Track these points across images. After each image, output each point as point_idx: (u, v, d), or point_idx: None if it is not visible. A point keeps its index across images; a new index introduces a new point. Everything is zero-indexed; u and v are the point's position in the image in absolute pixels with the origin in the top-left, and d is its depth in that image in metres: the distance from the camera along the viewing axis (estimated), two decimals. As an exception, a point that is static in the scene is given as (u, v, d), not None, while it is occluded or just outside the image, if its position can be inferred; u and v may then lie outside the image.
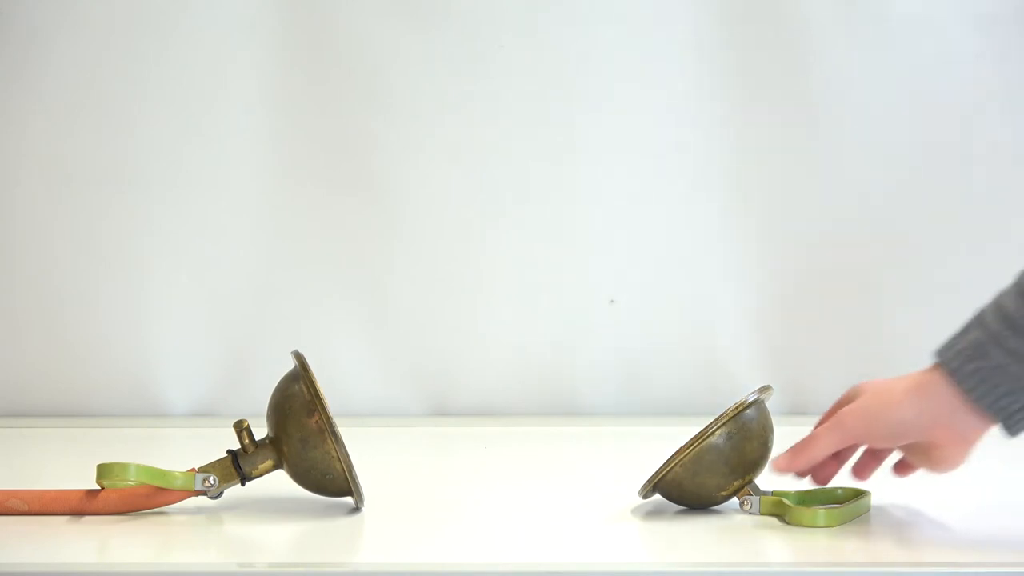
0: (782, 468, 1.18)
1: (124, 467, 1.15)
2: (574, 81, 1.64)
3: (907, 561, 1.10)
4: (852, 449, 1.19)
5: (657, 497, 1.21)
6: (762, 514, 1.18)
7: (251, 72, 1.63)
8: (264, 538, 1.15)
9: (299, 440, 1.16)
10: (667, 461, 1.17)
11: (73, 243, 1.63)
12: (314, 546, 1.14)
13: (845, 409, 1.18)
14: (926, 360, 1.67)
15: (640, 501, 1.24)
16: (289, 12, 1.62)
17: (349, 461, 1.16)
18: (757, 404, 1.19)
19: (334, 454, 1.15)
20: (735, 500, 1.19)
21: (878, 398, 1.16)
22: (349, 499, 1.18)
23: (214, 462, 1.17)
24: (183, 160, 1.64)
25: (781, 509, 1.18)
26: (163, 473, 1.16)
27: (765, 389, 1.21)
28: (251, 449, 1.17)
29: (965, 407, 1.13)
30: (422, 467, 1.44)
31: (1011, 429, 1.13)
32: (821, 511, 1.17)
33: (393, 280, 1.67)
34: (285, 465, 1.18)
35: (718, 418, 1.17)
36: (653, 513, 1.22)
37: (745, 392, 1.67)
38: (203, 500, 1.19)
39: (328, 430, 1.15)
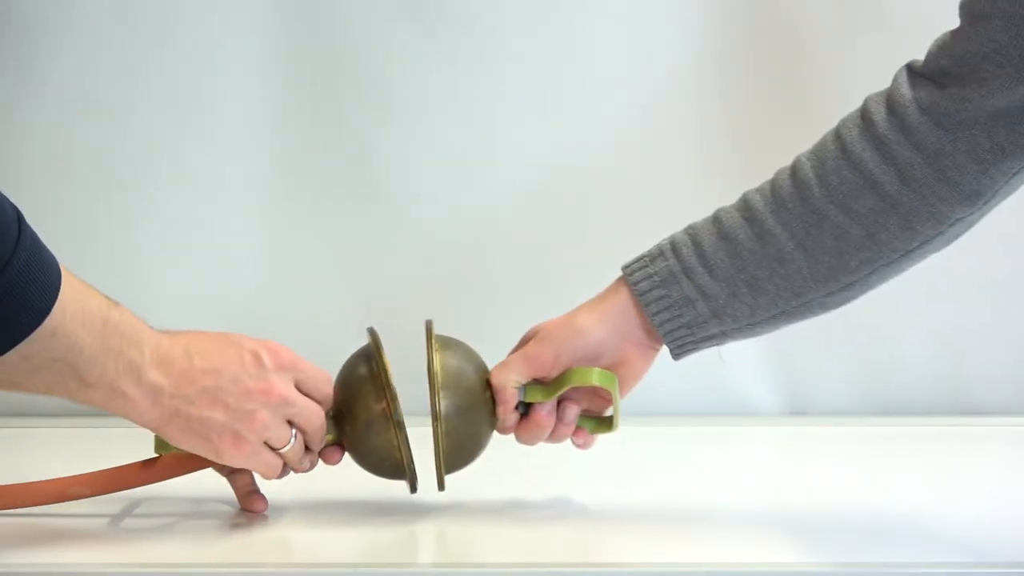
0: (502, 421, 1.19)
1: None
2: (575, 81, 1.65)
3: (905, 561, 1.10)
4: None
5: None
6: (527, 400, 1.18)
7: (252, 72, 1.63)
8: (267, 538, 1.16)
9: (363, 424, 1.15)
10: (437, 452, 1.15)
11: (72, 241, 1.61)
12: (322, 546, 1.14)
13: (529, 344, 1.20)
14: (925, 359, 1.69)
15: (638, 500, 1.25)
16: (290, 12, 1.62)
17: (410, 452, 1.15)
18: (436, 350, 1.17)
19: (395, 443, 1.15)
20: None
21: (563, 327, 1.20)
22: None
23: None
24: (184, 159, 1.64)
25: (557, 385, 1.18)
26: None
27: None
28: None
29: (647, 324, 1.18)
30: (422, 467, 1.44)
31: (677, 356, 1.20)
32: (596, 369, 1.18)
33: (394, 280, 1.67)
34: (344, 442, 1.17)
35: (432, 397, 1.15)
36: (652, 513, 1.22)
37: (744, 395, 1.68)
38: (216, 496, 1.20)
39: (393, 419, 1.14)
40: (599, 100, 1.65)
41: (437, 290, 1.67)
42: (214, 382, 1.09)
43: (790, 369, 1.69)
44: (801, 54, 1.64)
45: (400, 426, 1.14)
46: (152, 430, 1.09)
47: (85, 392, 1.03)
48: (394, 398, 1.14)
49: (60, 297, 0.98)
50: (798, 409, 1.69)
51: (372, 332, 1.18)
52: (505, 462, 1.26)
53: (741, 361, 1.68)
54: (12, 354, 0.98)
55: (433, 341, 1.18)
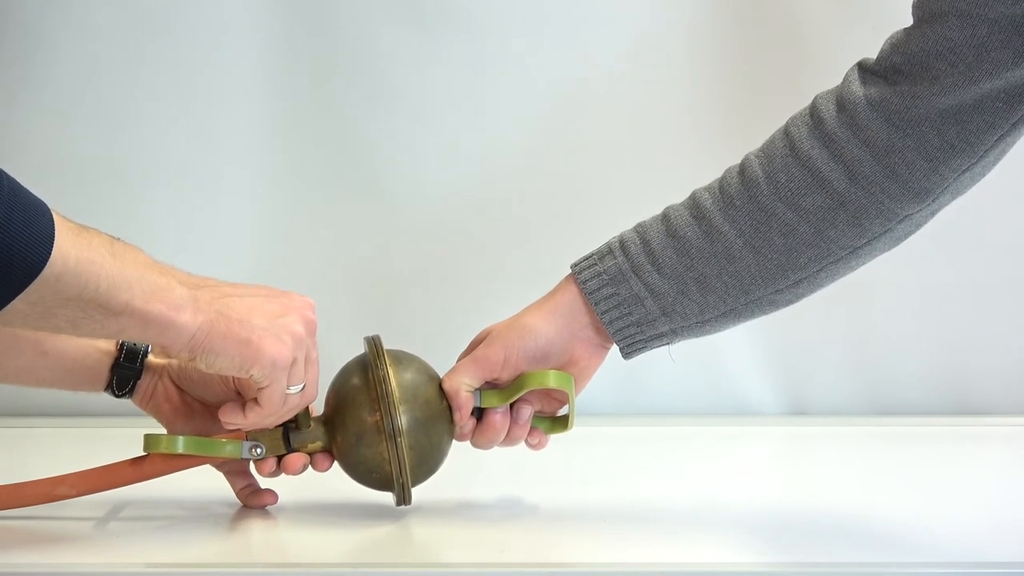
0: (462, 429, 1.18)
1: (172, 440, 1.14)
2: (575, 81, 1.65)
3: (905, 561, 1.11)
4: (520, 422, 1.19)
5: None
6: (483, 406, 1.17)
7: (251, 72, 1.63)
8: (260, 539, 1.16)
9: (355, 434, 1.15)
10: (400, 470, 1.14)
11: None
12: (318, 546, 1.14)
13: (479, 347, 1.19)
14: (925, 359, 1.69)
15: (635, 500, 1.25)
16: (290, 12, 1.62)
17: (400, 466, 1.14)
18: (383, 366, 1.15)
19: (386, 456, 1.14)
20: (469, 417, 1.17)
21: (512, 327, 1.19)
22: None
23: (265, 431, 1.15)
24: (184, 159, 1.64)
25: (513, 390, 1.17)
26: (211, 443, 1.15)
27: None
28: (305, 425, 1.16)
29: (596, 322, 1.18)
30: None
31: (627, 355, 1.19)
32: (552, 371, 1.16)
33: (394, 280, 1.67)
34: (334, 450, 1.17)
35: (384, 409, 1.14)
36: (650, 512, 1.22)
37: (744, 395, 1.68)
38: (212, 497, 1.20)
39: (386, 432, 1.14)
40: (598, 99, 1.65)
41: (437, 289, 1.67)
42: (251, 295, 1.07)
43: (790, 369, 1.69)
44: (801, 51, 1.64)
45: (393, 440, 1.13)
46: (192, 347, 1.03)
47: (115, 322, 0.99)
48: (389, 411, 1.13)
49: (57, 241, 0.94)
50: (798, 409, 1.70)
51: (370, 341, 1.18)
52: (508, 463, 1.27)
53: (741, 361, 1.68)
54: (17, 302, 0.94)
55: (385, 357, 1.16)
